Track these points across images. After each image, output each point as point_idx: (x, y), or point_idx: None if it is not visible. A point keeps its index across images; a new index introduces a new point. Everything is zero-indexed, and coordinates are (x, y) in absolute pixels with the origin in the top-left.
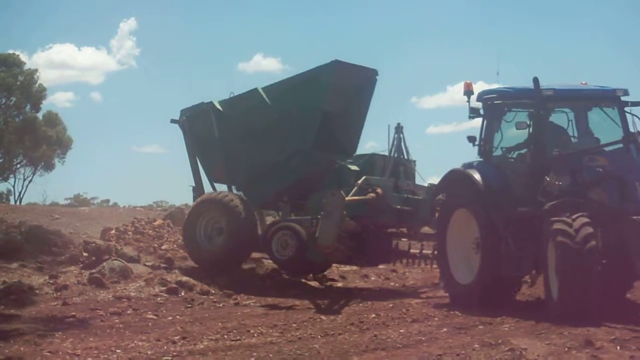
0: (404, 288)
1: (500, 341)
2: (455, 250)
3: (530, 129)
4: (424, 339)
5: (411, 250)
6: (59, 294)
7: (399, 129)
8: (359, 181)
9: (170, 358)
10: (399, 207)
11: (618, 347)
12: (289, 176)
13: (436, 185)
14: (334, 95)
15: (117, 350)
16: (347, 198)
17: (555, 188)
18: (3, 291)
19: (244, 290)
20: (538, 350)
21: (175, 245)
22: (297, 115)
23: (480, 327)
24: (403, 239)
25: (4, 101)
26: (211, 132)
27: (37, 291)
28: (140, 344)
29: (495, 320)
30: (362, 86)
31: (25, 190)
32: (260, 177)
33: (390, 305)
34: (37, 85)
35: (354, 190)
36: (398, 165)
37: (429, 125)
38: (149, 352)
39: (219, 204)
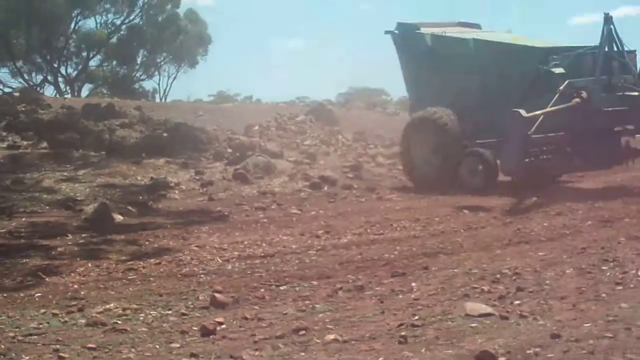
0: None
1: None
2: None
3: None
4: (567, 232)
5: None
6: (204, 189)
7: (608, 19)
8: (561, 86)
9: (314, 252)
10: (609, 109)
11: None
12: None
13: None
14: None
15: (263, 244)
16: (546, 110)
17: None
18: (151, 187)
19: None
20: None
21: (317, 141)
22: (506, 80)
23: (626, 220)
24: (637, 136)
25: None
26: (419, 58)
27: (184, 187)
28: (285, 238)
29: None
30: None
31: (169, 88)
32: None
33: (534, 198)
34: None
35: (555, 98)
36: (611, 60)
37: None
38: (293, 246)
39: (428, 121)
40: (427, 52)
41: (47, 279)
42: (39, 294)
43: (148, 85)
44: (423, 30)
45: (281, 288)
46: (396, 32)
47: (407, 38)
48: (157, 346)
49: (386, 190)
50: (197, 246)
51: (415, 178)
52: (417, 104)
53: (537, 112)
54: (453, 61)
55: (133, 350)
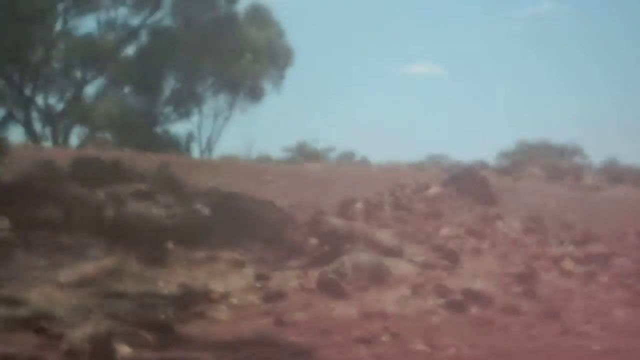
0: None
1: None
2: None
3: None
4: None
5: None
6: (270, 305)
7: None
8: None
9: None
10: None
11: None
12: None
13: None
14: None
15: None
16: None
17: None
18: (180, 299)
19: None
20: None
21: (462, 230)
22: None
23: None
24: None
25: None
26: None
27: (235, 300)
28: None
29: None
30: None
31: (218, 136)
32: None
33: None
34: None
35: None
36: None
37: None
38: None
39: None
40: None
41: None
42: None
43: (182, 130)
44: None
45: None
46: None
47: None
48: None
49: (578, 319)
50: None
51: None
52: None
53: None
54: None
55: None
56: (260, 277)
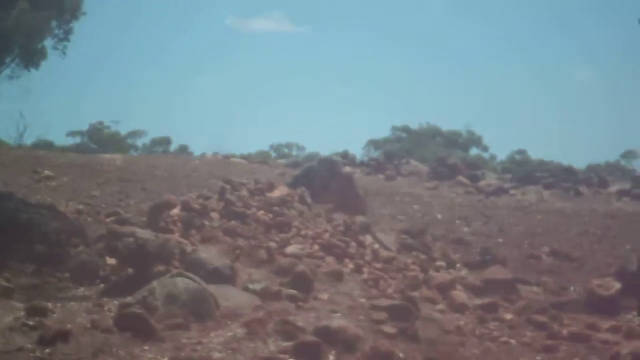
0: None
1: None
2: None
3: None
4: None
5: None
6: (47, 351)
7: None
8: None
9: None
10: None
11: None
12: None
13: None
14: None
15: None
16: None
17: None
18: None
19: None
20: None
21: (316, 246)
22: None
23: None
24: None
25: None
26: None
27: None
28: None
29: None
30: None
31: None
32: None
33: None
34: None
35: None
36: None
37: None
38: None
39: None
40: None
41: None
42: None
43: None
44: None
45: None
46: None
47: None
48: None
49: None
50: None
51: None
52: None
53: None
54: None
55: None
56: (33, 311)
